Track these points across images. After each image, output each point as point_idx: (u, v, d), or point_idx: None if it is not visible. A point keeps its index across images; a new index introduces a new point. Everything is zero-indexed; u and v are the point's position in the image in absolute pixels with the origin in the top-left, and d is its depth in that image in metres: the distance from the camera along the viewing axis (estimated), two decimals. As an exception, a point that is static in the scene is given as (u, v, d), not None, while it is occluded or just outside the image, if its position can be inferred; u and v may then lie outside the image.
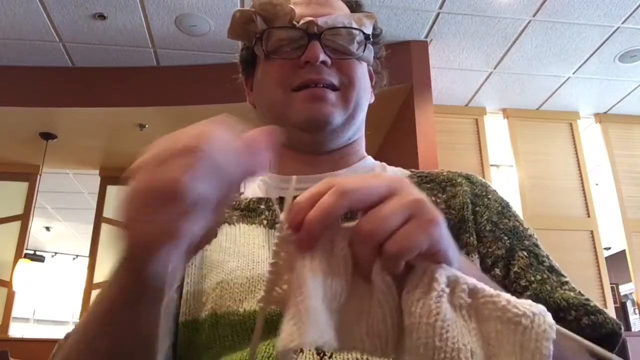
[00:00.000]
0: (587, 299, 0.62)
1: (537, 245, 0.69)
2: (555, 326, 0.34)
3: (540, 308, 0.35)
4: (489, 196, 0.73)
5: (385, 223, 0.36)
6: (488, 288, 0.37)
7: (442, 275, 0.36)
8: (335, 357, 0.54)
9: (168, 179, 0.36)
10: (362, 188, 0.36)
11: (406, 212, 0.36)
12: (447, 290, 0.36)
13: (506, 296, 0.36)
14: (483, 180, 0.77)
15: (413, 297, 0.36)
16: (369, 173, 0.41)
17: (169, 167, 0.36)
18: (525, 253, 0.66)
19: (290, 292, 0.36)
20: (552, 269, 0.66)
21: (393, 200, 0.37)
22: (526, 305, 0.35)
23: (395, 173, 0.78)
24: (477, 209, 0.70)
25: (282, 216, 0.38)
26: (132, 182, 0.37)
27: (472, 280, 0.37)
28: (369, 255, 0.36)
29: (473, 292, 0.37)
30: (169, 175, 0.36)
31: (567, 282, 0.64)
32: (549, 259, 0.67)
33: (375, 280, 0.36)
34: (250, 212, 0.72)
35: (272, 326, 0.48)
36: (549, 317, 0.35)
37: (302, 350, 0.54)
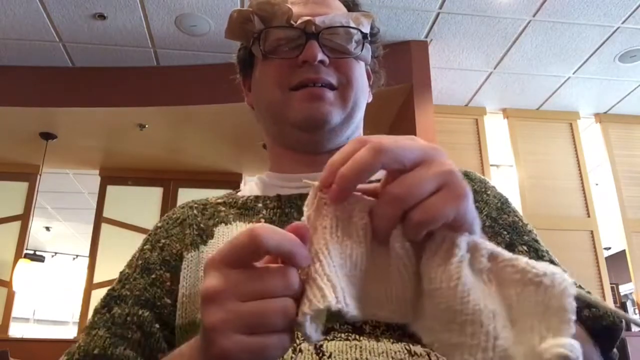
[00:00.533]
0: (588, 292, 0.62)
1: (537, 241, 0.69)
2: (575, 282, 0.35)
3: (557, 268, 0.35)
4: (488, 192, 0.73)
5: (416, 190, 0.35)
6: (506, 252, 0.37)
7: (463, 241, 0.37)
8: (335, 357, 0.54)
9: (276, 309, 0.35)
10: (397, 148, 0.36)
11: (438, 181, 0.36)
12: (468, 255, 0.36)
13: (524, 259, 0.36)
14: (482, 176, 0.78)
15: (433, 263, 0.36)
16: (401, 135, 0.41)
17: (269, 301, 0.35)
18: (525, 247, 0.66)
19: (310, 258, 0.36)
20: (552, 263, 0.66)
21: (426, 168, 0.36)
22: (544, 266, 0.35)
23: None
24: (477, 205, 0.70)
25: (317, 182, 0.38)
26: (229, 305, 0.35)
27: (491, 245, 0.37)
28: (391, 220, 0.36)
29: (493, 256, 0.37)
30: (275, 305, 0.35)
31: None
32: (548, 253, 0.68)
33: (395, 247, 0.37)
34: (248, 210, 0.72)
35: None
36: (567, 275, 0.35)
37: (301, 350, 0.54)
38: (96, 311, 0.67)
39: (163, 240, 0.72)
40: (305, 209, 0.38)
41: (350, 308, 0.35)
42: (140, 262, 0.70)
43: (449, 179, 0.36)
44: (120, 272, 0.71)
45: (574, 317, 0.34)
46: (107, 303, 0.67)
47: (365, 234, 0.37)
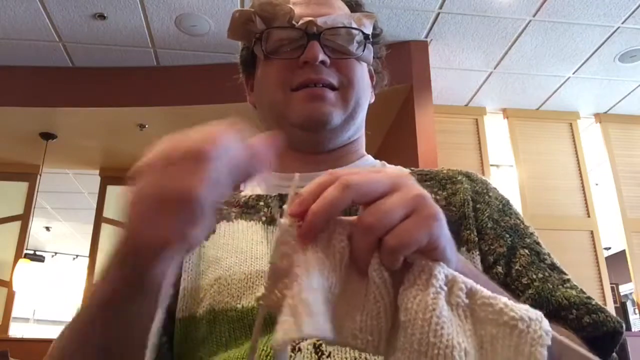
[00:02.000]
0: (589, 297, 0.62)
1: (538, 243, 0.69)
2: (551, 333, 0.34)
3: (537, 313, 0.35)
4: (490, 194, 0.73)
5: (387, 217, 0.36)
6: (486, 290, 0.37)
7: (441, 273, 0.36)
8: (334, 356, 0.54)
9: (182, 187, 0.37)
10: (365, 182, 0.37)
11: (408, 207, 0.37)
12: (445, 288, 0.36)
13: (503, 299, 0.36)
14: (483, 178, 0.77)
15: (410, 294, 0.36)
16: (370, 168, 0.42)
17: (180, 172, 0.37)
18: (526, 251, 0.66)
19: (287, 284, 0.36)
20: (553, 267, 0.66)
21: (395, 195, 0.37)
22: (523, 309, 0.35)
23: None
24: (478, 206, 0.70)
25: (286, 207, 0.38)
26: (140, 183, 0.38)
27: (470, 281, 0.37)
28: (367, 249, 0.37)
29: (471, 292, 0.37)
30: (182, 182, 0.37)
31: (568, 280, 0.65)
32: (550, 256, 0.68)
33: (372, 276, 0.37)
34: (249, 208, 0.72)
35: (271, 322, 0.48)
36: (545, 323, 0.34)
37: (300, 350, 0.54)
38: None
39: None
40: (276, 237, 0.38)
41: (327, 333, 0.34)
42: None
43: (419, 203, 0.37)
44: None
45: None
46: None
47: (342, 257, 0.37)
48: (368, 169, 0.41)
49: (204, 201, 0.37)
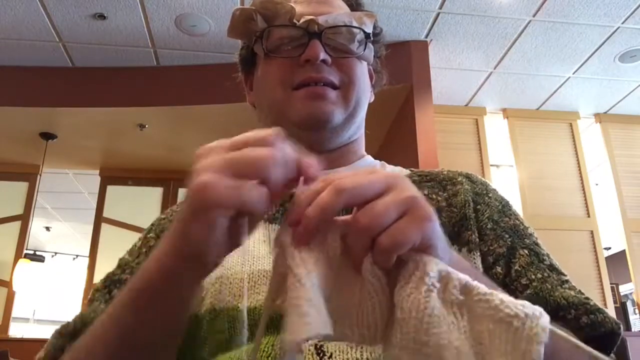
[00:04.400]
0: (587, 298, 0.62)
1: (537, 244, 0.69)
2: (548, 329, 0.34)
3: (535, 309, 0.34)
4: (490, 195, 0.73)
5: (381, 218, 0.37)
6: (482, 286, 0.37)
7: (434, 269, 0.37)
8: (335, 357, 0.54)
9: (263, 156, 0.38)
10: (358, 185, 0.38)
11: (401, 207, 0.37)
12: (438, 285, 0.36)
13: (500, 295, 0.36)
14: (483, 179, 0.77)
15: (404, 292, 0.36)
16: (366, 169, 0.42)
17: (250, 151, 0.39)
18: (526, 251, 0.66)
19: (288, 287, 0.36)
20: (552, 268, 0.66)
21: (389, 196, 0.38)
22: (519, 306, 0.35)
23: (395, 172, 0.78)
24: (478, 207, 0.70)
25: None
26: (207, 161, 0.39)
27: (465, 277, 0.37)
28: (361, 249, 0.37)
29: (466, 289, 0.37)
30: (256, 152, 0.39)
31: (567, 281, 0.65)
32: (549, 257, 0.68)
33: (366, 275, 0.37)
34: None
35: (272, 324, 0.48)
36: (543, 319, 0.34)
37: (301, 351, 0.54)
38: (97, 289, 0.68)
39: None
40: (275, 240, 0.40)
41: (329, 329, 0.35)
42: (144, 249, 0.71)
43: (412, 203, 0.38)
44: (120, 259, 0.72)
45: None
46: (107, 285, 0.68)
47: (335, 255, 0.38)
48: (363, 170, 0.41)
49: (275, 177, 0.38)
